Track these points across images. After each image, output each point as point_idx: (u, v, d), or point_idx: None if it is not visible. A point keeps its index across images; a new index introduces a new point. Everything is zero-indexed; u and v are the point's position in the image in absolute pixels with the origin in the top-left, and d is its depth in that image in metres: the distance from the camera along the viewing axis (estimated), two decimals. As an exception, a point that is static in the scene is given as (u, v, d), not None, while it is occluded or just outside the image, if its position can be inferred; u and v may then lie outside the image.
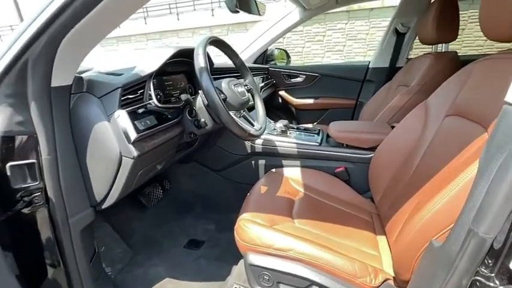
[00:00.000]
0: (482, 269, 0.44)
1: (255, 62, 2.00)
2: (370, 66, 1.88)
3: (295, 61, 7.58)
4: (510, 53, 0.72)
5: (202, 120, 0.94)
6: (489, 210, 0.41)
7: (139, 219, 1.31)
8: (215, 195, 1.46)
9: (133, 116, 0.74)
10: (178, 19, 8.70)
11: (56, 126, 0.67)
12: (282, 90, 2.13)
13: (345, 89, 1.97)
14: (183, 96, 0.90)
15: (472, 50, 5.05)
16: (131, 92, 0.78)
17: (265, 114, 1.09)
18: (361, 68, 1.92)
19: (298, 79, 2.07)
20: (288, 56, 2.34)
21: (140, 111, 0.78)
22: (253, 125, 1.05)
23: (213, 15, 8.44)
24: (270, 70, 2.07)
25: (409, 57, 1.78)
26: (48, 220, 0.71)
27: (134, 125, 0.72)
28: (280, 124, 1.32)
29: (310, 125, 1.95)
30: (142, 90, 0.82)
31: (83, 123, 0.72)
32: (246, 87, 1.07)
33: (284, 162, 1.32)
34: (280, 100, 2.16)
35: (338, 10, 7.01)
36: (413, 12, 1.63)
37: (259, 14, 1.50)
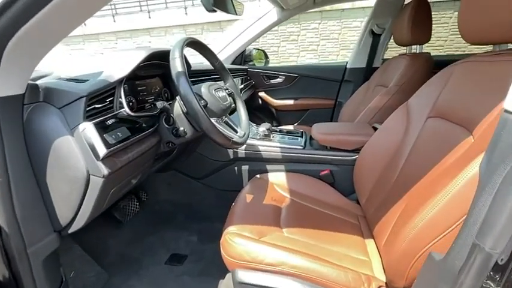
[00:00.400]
0: (488, 282, 0.42)
1: (233, 63, 1.94)
2: (348, 66, 1.88)
3: (272, 61, 7.55)
4: (488, 55, 0.73)
5: (182, 129, 0.86)
6: (495, 225, 0.39)
7: (113, 236, 1.19)
8: (197, 204, 1.38)
9: (102, 128, 0.65)
10: (149, 17, 8.33)
11: (6, 143, 0.56)
12: (262, 91, 2.08)
13: (324, 89, 1.97)
14: (159, 104, 0.81)
15: (434, 49, 5.36)
16: (98, 101, 0.68)
17: (248, 119, 1.03)
18: (339, 68, 1.92)
19: (278, 80, 2.04)
20: (266, 57, 2.29)
21: (110, 122, 0.69)
22: (236, 132, 0.99)
23: (186, 13, 8.19)
24: (249, 71, 2.01)
25: (384, 57, 1.81)
26: (2, 252, 0.60)
27: (103, 139, 0.63)
28: (263, 128, 1.27)
29: (291, 127, 1.92)
30: (111, 98, 0.73)
31: (41, 138, 0.61)
32: (227, 91, 1.00)
33: (268, 167, 1.27)
34: (260, 101, 2.11)
35: (311, 10, 7.08)
36: (388, 14, 1.66)
37: (236, 14, 1.43)
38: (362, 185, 1.04)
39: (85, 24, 6.31)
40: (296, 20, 7.18)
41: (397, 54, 1.55)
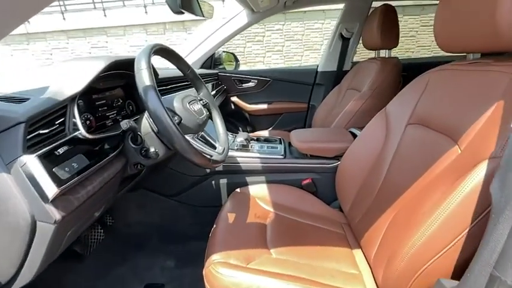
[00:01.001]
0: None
1: (202, 67, 1.82)
2: (319, 70, 1.88)
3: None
4: (464, 64, 0.72)
5: (152, 150, 0.74)
6: None
7: (74, 272, 1.02)
8: (171, 224, 1.25)
9: (50, 160, 0.51)
10: (105, 15, 7.71)
11: None
12: (234, 96, 1.99)
13: (296, 92, 1.94)
14: (124, 124, 0.68)
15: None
16: (44, 125, 0.54)
17: (226, 132, 0.94)
18: (310, 72, 1.91)
19: (250, 84, 1.96)
20: (237, 59, 2.20)
21: (61, 150, 0.55)
22: (214, 147, 0.89)
23: (146, 12, 7.72)
24: (219, 75, 1.91)
25: (354, 60, 1.84)
26: None
27: (52, 174, 0.49)
28: (241, 138, 1.18)
29: (266, 132, 1.86)
30: (62, 119, 0.59)
31: (-37, 178, 0.46)
32: (201, 102, 0.90)
33: (248, 179, 1.19)
34: (233, 106, 2.02)
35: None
36: (356, 18, 1.68)
37: (204, 16, 1.32)
38: (345, 192, 1.01)
39: (29, 22, 5.63)
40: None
41: (366, 58, 1.57)
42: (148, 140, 0.75)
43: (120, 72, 0.81)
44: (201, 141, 0.94)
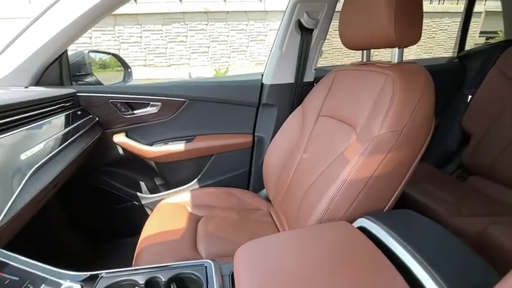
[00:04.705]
0: None
1: (39, 83, 0.78)
2: (265, 82, 1.04)
3: (160, 63, 6.14)
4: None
5: None
6: None
7: None
8: None
9: None
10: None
11: None
12: (119, 133, 0.98)
13: (232, 119, 1.07)
14: None
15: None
16: None
17: None
18: (252, 86, 1.06)
19: (149, 109, 0.99)
20: (126, 66, 1.19)
21: None
22: None
23: (30, 1, 5.53)
24: (81, 97, 0.88)
25: (317, 66, 1.07)
26: None
27: None
28: None
29: (187, 195, 0.95)
30: None
31: None
32: None
33: None
34: (120, 151, 1.01)
35: (196, 11, 6.13)
36: (322, -5, 0.89)
37: None
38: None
39: None
40: (181, 19, 6.12)
41: (349, 64, 0.82)
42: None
43: None
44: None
